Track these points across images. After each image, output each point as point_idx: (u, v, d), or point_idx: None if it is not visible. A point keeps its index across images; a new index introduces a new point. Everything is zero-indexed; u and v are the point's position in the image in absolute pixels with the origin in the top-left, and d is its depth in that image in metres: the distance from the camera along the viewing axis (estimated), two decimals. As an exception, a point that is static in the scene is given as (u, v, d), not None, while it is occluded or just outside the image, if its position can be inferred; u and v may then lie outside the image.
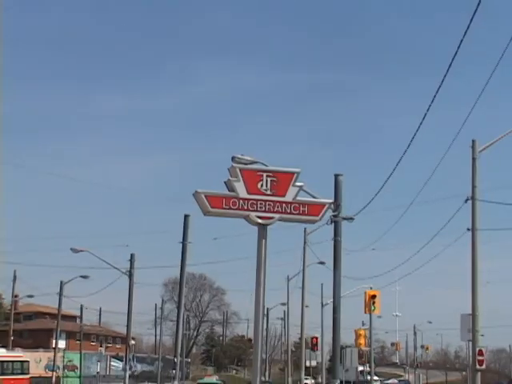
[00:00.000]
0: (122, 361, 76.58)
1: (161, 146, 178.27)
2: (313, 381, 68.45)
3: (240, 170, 15.11)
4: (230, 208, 14.81)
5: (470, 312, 29.57)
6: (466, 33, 14.94)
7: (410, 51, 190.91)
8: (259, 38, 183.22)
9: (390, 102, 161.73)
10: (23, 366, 71.66)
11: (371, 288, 45.45)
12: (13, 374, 68.47)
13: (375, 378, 57.38)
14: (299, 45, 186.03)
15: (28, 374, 70.53)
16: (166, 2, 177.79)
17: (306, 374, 59.09)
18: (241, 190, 14.77)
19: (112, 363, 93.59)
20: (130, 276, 53.54)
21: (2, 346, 76.78)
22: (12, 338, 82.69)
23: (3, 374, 66.83)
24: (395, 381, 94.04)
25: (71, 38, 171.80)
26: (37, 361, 79.18)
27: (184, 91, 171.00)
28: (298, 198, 15.26)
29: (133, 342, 77.73)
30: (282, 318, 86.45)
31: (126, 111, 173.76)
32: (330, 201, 17.80)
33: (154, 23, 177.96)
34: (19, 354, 72.89)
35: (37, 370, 76.64)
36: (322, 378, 57.51)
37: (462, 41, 15.82)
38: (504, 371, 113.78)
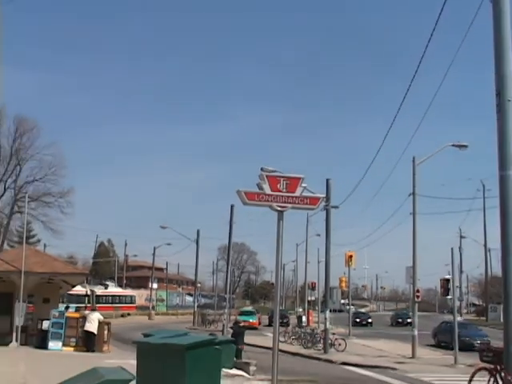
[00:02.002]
0: (192, 296, 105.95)
1: (216, 160, 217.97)
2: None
3: (266, 176, 18.26)
4: (260, 200, 18.07)
5: (412, 265, 39.86)
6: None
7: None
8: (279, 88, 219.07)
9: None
10: (132, 299, 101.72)
11: (349, 250, 58.72)
12: (125, 303, 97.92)
13: (352, 307, 73.51)
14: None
15: (135, 303, 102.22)
16: (217, 62, 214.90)
17: (307, 306, 79.39)
18: (266, 188, 17.92)
19: (186, 298, 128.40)
20: (197, 243, 74.95)
21: (119, 286, 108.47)
22: (125, 281, 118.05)
23: (120, 303, 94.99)
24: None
25: (137, 85, 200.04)
26: (140, 296, 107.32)
27: (229, 124, 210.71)
28: (303, 194, 18.41)
29: (199, 284, 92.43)
30: (293, 270, 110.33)
31: (193, 137, 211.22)
32: (323, 196, 23.36)
33: (210, 74, 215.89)
34: (130, 291, 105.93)
35: (140, 301, 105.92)
36: (318, 308, 73.15)
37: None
38: (431, 302, 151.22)
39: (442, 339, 47.52)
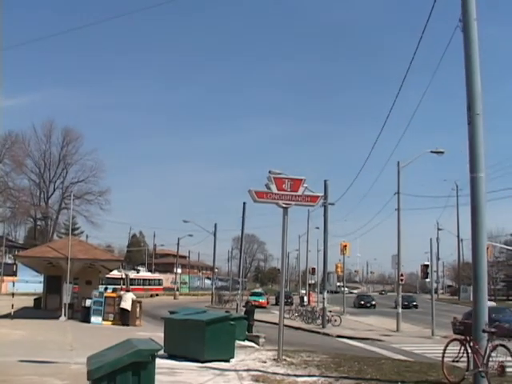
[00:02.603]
0: (210, 279, 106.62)
1: (231, 165, 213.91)
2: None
3: (273, 178, 18.48)
4: (268, 198, 18.15)
5: (396, 253, 39.35)
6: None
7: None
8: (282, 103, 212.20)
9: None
10: (159, 282, 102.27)
11: (344, 241, 58.63)
12: (154, 285, 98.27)
13: (346, 289, 78.51)
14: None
15: (162, 285, 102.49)
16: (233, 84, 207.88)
17: (308, 288, 78.91)
18: (273, 188, 18.05)
19: (205, 281, 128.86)
20: (214, 235, 74.24)
21: (149, 271, 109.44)
22: (153, 267, 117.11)
23: (149, 285, 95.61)
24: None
25: (164, 102, 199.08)
26: (166, 279, 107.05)
27: (242, 135, 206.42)
28: (305, 193, 18.47)
29: (216, 270, 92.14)
30: (296, 258, 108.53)
31: (212, 146, 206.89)
32: (322, 194, 24.43)
33: (227, 94, 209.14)
34: (157, 275, 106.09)
35: (166, 284, 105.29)
36: (317, 289, 70.47)
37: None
38: (413, 284, 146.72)
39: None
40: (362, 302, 76.43)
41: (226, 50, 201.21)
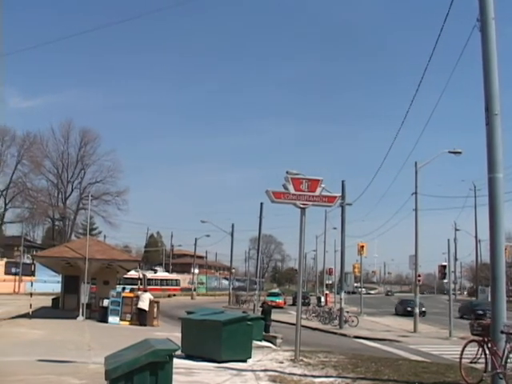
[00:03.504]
0: (227, 280, 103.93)
1: (246, 165, 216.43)
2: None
3: (290, 178, 18.44)
4: (285, 199, 18.07)
5: (414, 254, 39.16)
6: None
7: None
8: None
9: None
10: (177, 282, 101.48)
11: (361, 241, 58.29)
12: (171, 285, 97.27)
13: (363, 289, 75.55)
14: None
15: (179, 286, 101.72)
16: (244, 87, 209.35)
17: (325, 288, 79.27)
18: (291, 188, 17.99)
19: (222, 281, 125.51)
20: (232, 235, 74.09)
21: (166, 271, 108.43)
22: (171, 267, 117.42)
23: (167, 285, 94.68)
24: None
25: (177, 104, 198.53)
26: (183, 279, 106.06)
27: (256, 135, 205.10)
28: (322, 193, 18.39)
29: (233, 270, 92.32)
30: (313, 258, 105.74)
31: (226, 147, 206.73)
32: (339, 194, 23.17)
33: (238, 97, 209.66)
34: (175, 276, 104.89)
35: (184, 284, 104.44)
36: (334, 290, 69.08)
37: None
38: (430, 285, 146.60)
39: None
40: (409, 309, 51.87)
41: (237, 50, 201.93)
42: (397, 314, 59.11)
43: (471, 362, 13.79)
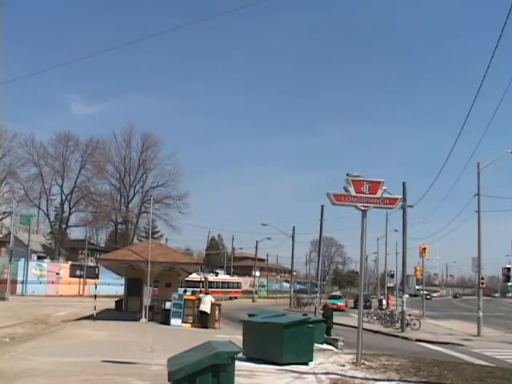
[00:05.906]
0: (288, 282, 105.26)
1: (309, 168, 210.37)
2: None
3: (351, 180, 18.34)
4: (346, 201, 18.17)
5: (477, 256, 38.48)
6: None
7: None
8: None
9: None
10: (238, 285, 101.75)
11: (423, 244, 56.99)
12: (233, 288, 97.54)
13: (426, 292, 72.55)
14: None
15: (241, 288, 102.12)
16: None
17: (387, 291, 78.10)
18: (352, 191, 18.08)
19: (283, 284, 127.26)
20: (293, 238, 73.71)
21: (228, 274, 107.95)
22: (232, 270, 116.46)
23: (228, 288, 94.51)
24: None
25: (237, 109, 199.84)
26: (245, 282, 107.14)
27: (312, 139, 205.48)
28: (384, 195, 18.44)
29: (294, 273, 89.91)
30: (374, 260, 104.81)
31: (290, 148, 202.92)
32: (400, 196, 23.70)
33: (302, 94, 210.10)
34: (236, 278, 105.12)
35: (245, 286, 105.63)
36: (396, 292, 69.16)
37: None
38: (493, 288, 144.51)
39: None
40: None
41: (302, 55, 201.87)
42: None
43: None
